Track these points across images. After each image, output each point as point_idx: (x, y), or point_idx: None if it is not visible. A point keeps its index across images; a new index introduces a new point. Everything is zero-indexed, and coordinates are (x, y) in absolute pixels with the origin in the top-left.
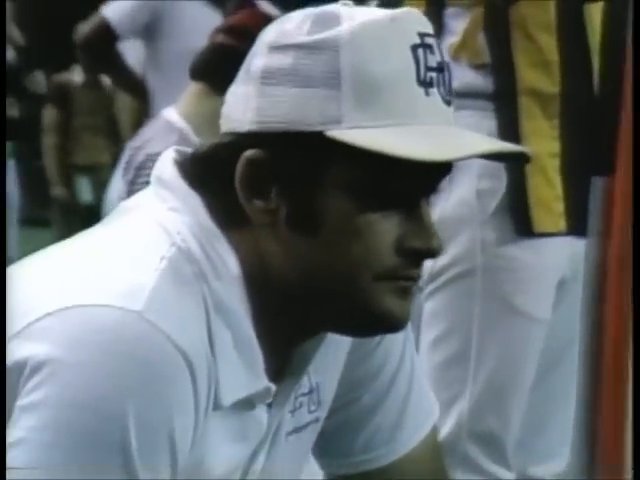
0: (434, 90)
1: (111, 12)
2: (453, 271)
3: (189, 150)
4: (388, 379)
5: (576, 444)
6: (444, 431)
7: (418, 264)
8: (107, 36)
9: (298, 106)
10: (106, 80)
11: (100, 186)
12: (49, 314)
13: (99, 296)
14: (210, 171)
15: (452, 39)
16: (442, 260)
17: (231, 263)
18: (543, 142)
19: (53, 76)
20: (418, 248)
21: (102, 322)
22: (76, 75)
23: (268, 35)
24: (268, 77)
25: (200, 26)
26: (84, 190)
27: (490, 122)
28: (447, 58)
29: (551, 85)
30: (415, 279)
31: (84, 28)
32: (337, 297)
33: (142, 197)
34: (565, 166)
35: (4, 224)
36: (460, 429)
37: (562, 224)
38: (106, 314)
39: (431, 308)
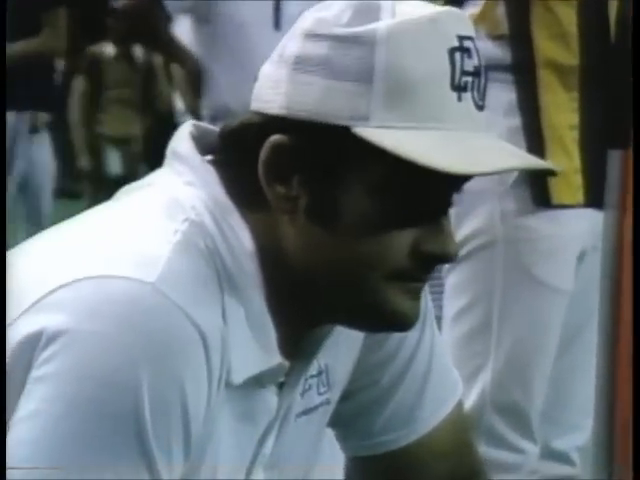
0: (467, 95)
1: None
2: (474, 243)
3: (206, 125)
4: (405, 361)
5: (596, 420)
6: (468, 404)
7: (431, 268)
8: (156, 6)
9: (328, 98)
10: (138, 52)
11: (130, 158)
12: (63, 285)
13: (113, 267)
14: (235, 149)
15: (472, 10)
16: (462, 232)
17: (245, 239)
18: (562, 114)
19: (86, 48)
20: (434, 252)
21: (116, 293)
22: (108, 47)
23: (306, 21)
24: (301, 64)
25: (257, 10)
26: (114, 162)
27: (509, 94)
28: (483, 62)
29: (570, 57)
30: (425, 281)
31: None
32: (347, 291)
33: (157, 174)
34: (584, 138)
35: (4, 223)
36: (484, 401)
37: (580, 196)
38: (120, 285)
39: (453, 281)
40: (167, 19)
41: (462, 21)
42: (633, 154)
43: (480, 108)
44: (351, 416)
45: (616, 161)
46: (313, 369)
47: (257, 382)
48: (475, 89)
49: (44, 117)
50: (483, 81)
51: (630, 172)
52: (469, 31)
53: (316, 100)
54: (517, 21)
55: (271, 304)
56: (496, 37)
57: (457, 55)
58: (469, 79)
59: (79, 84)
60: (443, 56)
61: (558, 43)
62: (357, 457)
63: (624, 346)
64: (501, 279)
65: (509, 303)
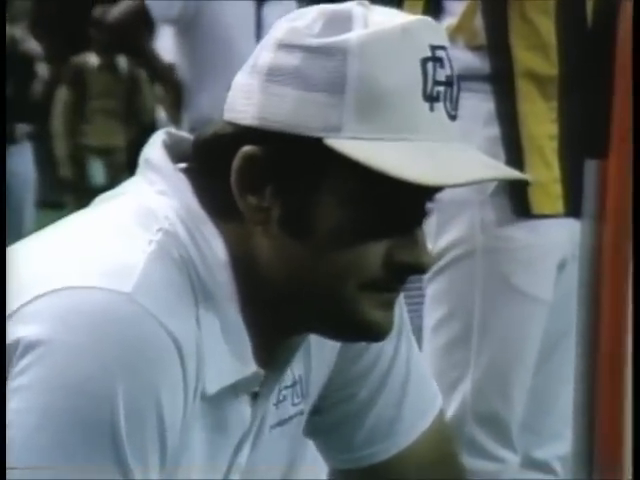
0: (440, 105)
1: None
2: (453, 253)
3: (180, 133)
4: (382, 373)
5: (576, 429)
6: (448, 414)
7: (404, 278)
8: (141, 17)
9: (300, 109)
10: (122, 63)
11: (113, 169)
12: (39, 296)
13: (88, 278)
14: (208, 158)
15: (450, 20)
16: (442, 242)
17: (218, 249)
18: (541, 124)
19: (70, 58)
20: (407, 263)
21: (91, 304)
22: (92, 57)
23: (279, 31)
24: (273, 75)
25: (234, 14)
26: (97, 173)
27: (489, 104)
28: (456, 72)
29: (549, 67)
30: (399, 292)
31: (118, 10)
32: (321, 301)
33: (130, 183)
34: (563, 148)
35: (4, 223)
36: (464, 412)
37: (560, 206)
38: (95, 296)
39: (432, 292)
40: (149, 36)
41: (435, 30)
42: (633, 160)
43: (453, 118)
44: (331, 430)
45: (594, 170)
46: (287, 380)
47: (232, 392)
48: (447, 99)
49: (24, 128)
50: (456, 91)
51: (608, 181)
52: (442, 40)
53: (288, 111)
54: (495, 32)
55: (245, 313)
56: (475, 47)
57: (429, 65)
58: (441, 89)
59: (62, 94)
60: (415, 66)
61: (536, 53)
62: (340, 470)
63: (603, 354)
64: (481, 289)
65: (489, 313)
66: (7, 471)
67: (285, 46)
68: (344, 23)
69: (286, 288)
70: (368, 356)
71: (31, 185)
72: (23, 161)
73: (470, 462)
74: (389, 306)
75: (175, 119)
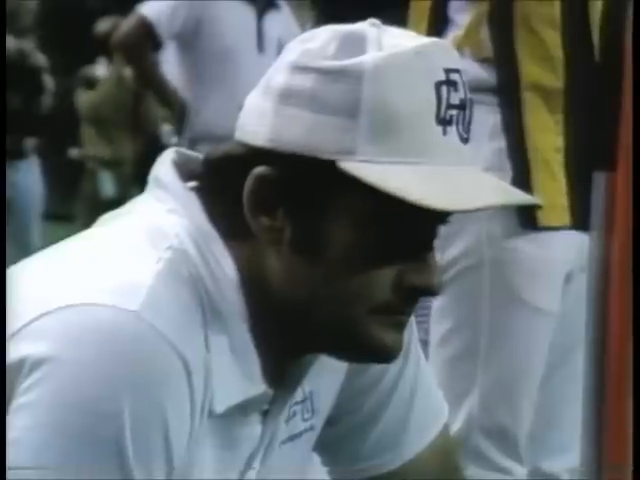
0: (452, 128)
1: (150, 11)
2: (461, 265)
3: (189, 152)
4: (389, 386)
5: (584, 440)
6: (455, 426)
7: (414, 301)
8: (147, 35)
9: (313, 131)
10: (129, 75)
11: (122, 181)
12: (46, 313)
13: (96, 295)
14: (219, 178)
15: (456, 31)
16: (449, 254)
17: (228, 267)
18: (547, 137)
19: (76, 71)
20: (418, 286)
21: (99, 321)
22: (98, 69)
23: (292, 52)
24: (287, 97)
25: (235, 26)
26: (106, 185)
27: (495, 116)
28: (469, 95)
29: (555, 80)
30: (410, 314)
31: (123, 27)
32: (330, 323)
33: (139, 200)
34: (570, 161)
35: (4, 225)
36: (471, 424)
37: (567, 219)
38: (103, 313)
39: (440, 304)
40: (154, 54)
41: (448, 53)
42: (633, 173)
43: (465, 141)
44: (337, 441)
45: (601, 183)
46: (297, 396)
47: (241, 410)
48: (460, 122)
49: (32, 142)
50: (469, 113)
51: (616, 193)
52: (455, 63)
53: (301, 134)
54: (501, 44)
55: (255, 333)
56: (481, 59)
57: (443, 88)
58: (454, 112)
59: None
60: (429, 90)
61: (543, 66)
62: None
63: (611, 366)
64: (488, 301)
65: (496, 325)
66: (7, 471)
67: (299, 68)
68: (358, 45)
69: (296, 309)
70: (374, 370)
71: (38, 199)
72: (30, 175)
73: (476, 473)
74: (399, 328)
75: (179, 132)
